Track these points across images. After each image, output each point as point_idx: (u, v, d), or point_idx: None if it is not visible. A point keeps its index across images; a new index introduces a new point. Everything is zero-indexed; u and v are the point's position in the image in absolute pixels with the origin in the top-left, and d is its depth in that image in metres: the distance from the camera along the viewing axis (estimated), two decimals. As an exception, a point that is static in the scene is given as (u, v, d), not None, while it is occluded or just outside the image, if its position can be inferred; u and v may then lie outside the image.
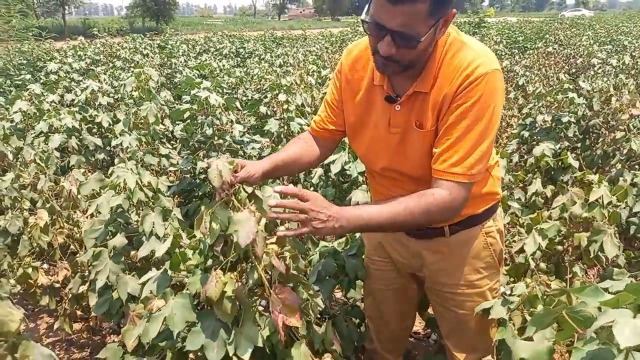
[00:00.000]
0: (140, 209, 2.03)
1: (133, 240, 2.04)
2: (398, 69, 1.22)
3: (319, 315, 1.36)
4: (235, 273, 1.24)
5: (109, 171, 2.10)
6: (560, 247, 2.02)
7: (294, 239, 1.28)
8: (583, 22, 19.95)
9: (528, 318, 1.49)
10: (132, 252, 1.98)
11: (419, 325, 2.76)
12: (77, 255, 2.28)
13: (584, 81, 4.02)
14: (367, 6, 1.17)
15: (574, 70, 6.88)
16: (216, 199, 1.23)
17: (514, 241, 2.39)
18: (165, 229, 1.92)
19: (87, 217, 2.30)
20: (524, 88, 5.27)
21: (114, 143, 2.85)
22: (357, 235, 1.90)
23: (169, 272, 1.40)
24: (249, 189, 1.27)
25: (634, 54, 6.39)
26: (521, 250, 1.88)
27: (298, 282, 1.30)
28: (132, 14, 43.02)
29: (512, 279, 1.88)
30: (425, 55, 1.23)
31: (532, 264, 1.92)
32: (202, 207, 1.23)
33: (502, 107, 1.28)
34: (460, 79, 1.20)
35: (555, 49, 9.07)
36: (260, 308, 1.24)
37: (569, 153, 2.63)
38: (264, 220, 1.22)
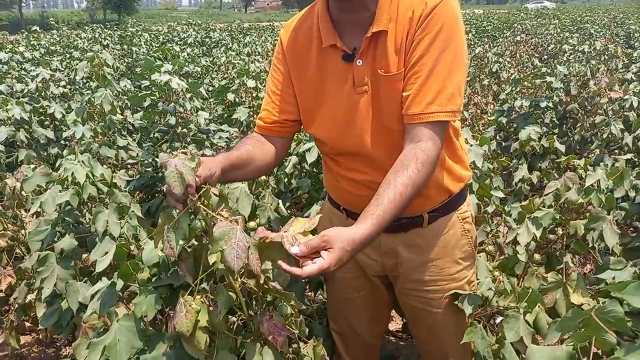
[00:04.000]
0: (93, 206, 1.81)
1: (86, 242, 1.82)
2: None
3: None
4: (206, 296, 1.01)
5: (57, 164, 1.88)
6: (552, 236, 1.90)
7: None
8: (547, 13, 20.30)
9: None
10: (85, 255, 1.75)
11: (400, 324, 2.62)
12: (24, 260, 2.03)
13: (561, 64, 3.95)
14: None
15: (545, 57, 6.88)
16: (176, 208, 0.98)
17: (499, 230, 2.28)
18: (122, 227, 1.70)
19: (32, 217, 2.06)
20: (497, 75, 5.20)
21: (65, 134, 2.59)
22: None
23: (119, 283, 1.19)
24: (215, 190, 1.03)
25: (601, 41, 6.43)
26: (513, 242, 1.74)
27: (280, 295, 1.10)
28: (93, 6, 41.54)
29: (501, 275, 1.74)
30: None
31: (524, 256, 1.78)
32: (161, 218, 1.00)
33: (465, 39, 1.20)
34: (419, 11, 1.13)
35: (523, 37, 9.10)
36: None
37: (555, 137, 2.52)
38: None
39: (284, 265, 0.92)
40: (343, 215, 1.39)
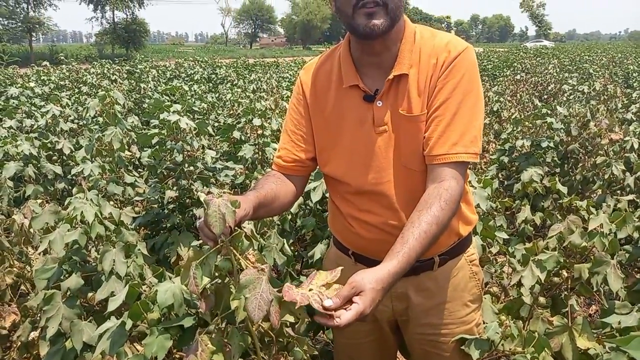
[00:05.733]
0: (100, 244, 1.83)
1: (91, 280, 1.83)
2: (385, 18, 1.14)
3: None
4: (223, 338, 1.01)
5: (66, 202, 1.90)
6: (556, 279, 1.90)
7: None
8: (546, 52, 20.72)
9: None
10: (90, 294, 1.76)
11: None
12: (29, 296, 2.03)
13: (561, 106, 4.02)
14: None
15: (545, 97, 7.00)
16: (207, 245, 0.99)
17: (503, 271, 2.28)
18: (128, 267, 1.72)
19: (39, 255, 2.07)
20: (498, 114, 5.28)
21: (74, 171, 2.63)
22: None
23: (128, 322, 1.19)
24: (247, 230, 1.04)
25: (600, 81, 6.56)
26: (518, 284, 1.74)
27: (293, 340, 1.10)
28: (102, 41, 42.51)
29: (508, 319, 1.73)
30: (401, 15, 1.21)
31: (529, 299, 1.78)
32: (190, 252, 1.01)
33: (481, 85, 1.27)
34: (443, 58, 1.19)
35: (522, 76, 9.27)
36: None
37: (557, 179, 2.55)
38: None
39: (322, 319, 0.93)
40: (351, 260, 1.39)
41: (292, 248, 2.35)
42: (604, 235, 1.68)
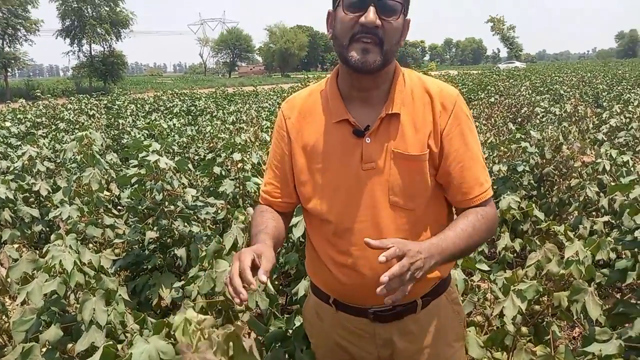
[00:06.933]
0: (80, 292, 1.79)
1: (71, 330, 1.79)
2: (378, 57, 1.16)
3: None
4: None
5: (45, 249, 1.87)
6: (537, 307, 1.92)
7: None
8: (518, 74, 21.32)
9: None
10: (70, 345, 1.72)
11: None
12: (5, 350, 1.97)
13: (534, 128, 4.14)
14: None
15: (519, 119, 7.18)
16: None
17: (486, 299, 2.30)
18: (109, 315, 1.69)
19: (17, 305, 2.02)
20: (475, 138, 5.38)
21: (51, 215, 2.60)
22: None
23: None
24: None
25: (571, 101, 6.76)
26: (500, 315, 1.76)
27: None
28: (79, 74, 42.22)
29: (493, 349, 1.75)
30: (396, 50, 1.22)
31: (512, 329, 1.80)
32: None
33: None
34: (439, 102, 1.23)
35: (497, 99, 9.50)
36: None
37: (534, 205, 2.61)
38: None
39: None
40: (332, 309, 1.36)
41: (276, 282, 2.34)
42: (580, 262, 1.72)
